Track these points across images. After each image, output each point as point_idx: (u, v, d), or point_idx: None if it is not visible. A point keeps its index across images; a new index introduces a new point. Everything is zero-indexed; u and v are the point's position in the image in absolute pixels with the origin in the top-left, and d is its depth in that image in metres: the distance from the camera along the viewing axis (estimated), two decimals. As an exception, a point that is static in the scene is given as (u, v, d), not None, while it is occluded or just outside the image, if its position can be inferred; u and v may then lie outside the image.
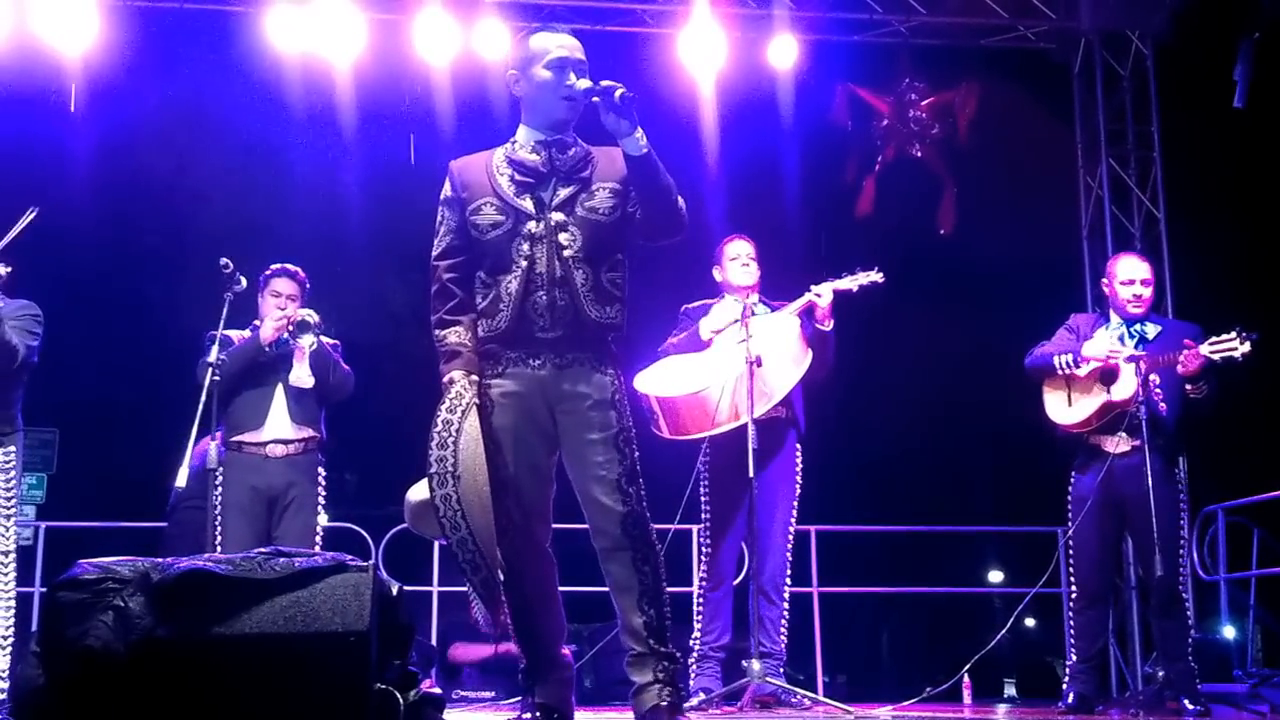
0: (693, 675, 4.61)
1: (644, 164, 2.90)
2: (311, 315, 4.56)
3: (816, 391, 4.90)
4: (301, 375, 4.55)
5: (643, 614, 2.89)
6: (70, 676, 2.40)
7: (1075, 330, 4.71)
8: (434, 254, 3.07)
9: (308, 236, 7.53)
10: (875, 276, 4.79)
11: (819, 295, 4.71)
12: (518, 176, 2.98)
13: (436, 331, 3.02)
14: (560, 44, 3.01)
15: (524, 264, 2.92)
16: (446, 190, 3.06)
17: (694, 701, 4.44)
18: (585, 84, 2.95)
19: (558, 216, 2.94)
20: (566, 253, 2.92)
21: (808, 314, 4.78)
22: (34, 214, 4.11)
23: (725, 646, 4.67)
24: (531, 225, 2.93)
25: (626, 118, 2.85)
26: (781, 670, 4.75)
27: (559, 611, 3.03)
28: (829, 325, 4.74)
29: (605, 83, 2.91)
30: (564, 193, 2.97)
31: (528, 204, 2.95)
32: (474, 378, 2.95)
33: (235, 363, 4.44)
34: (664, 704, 2.85)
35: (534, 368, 2.95)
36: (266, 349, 4.55)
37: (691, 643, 4.69)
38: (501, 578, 2.88)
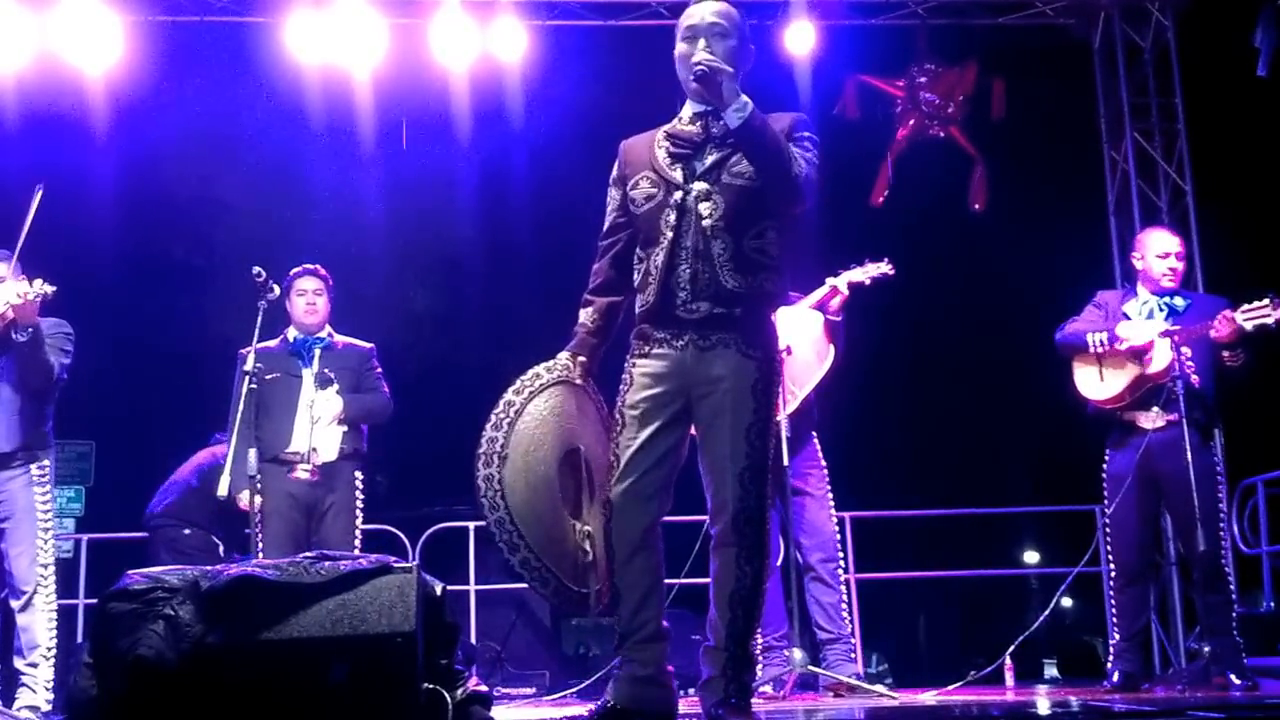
0: (760, 667, 4.61)
1: (740, 136, 2.83)
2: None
3: (833, 380, 4.91)
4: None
5: (731, 612, 2.82)
6: (124, 687, 2.44)
7: (1104, 306, 4.68)
8: (601, 234, 3.07)
9: (331, 243, 7.56)
10: (885, 268, 4.88)
11: (839, 286, 4.80)
12: (673, 149, 2.94)
13: (580, 309, 3.06)
14: (698, 14, 2.94)
15: (670, 235, 2.85)
16: (614, 170, 3.04)
17: (768, 690, 4.47)
18: (700, 55, 2.86)
19: (700, 186, 2.87)
20: (706, 222, 2.83)
21: (823, 307, 4.84)
22: (41, 191, 4.11)
23: (786, 635, 4.68)
24: (678, 195, 2.87)
25: (710, 91, 2.82)
26: (852, 655, 4.82)
27: (653, 601, 2.88)
28: (839, 317, 4.84)
29: (698, 56, 2.85)
30: (711, 159, 2.89)
31: (677, 174, 2.90)
32: (581, 359, 3.01)
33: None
34: (730, 701, 2.81)
35: (678, 348, 2.86)
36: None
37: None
38: (584, 553, 2.89)
